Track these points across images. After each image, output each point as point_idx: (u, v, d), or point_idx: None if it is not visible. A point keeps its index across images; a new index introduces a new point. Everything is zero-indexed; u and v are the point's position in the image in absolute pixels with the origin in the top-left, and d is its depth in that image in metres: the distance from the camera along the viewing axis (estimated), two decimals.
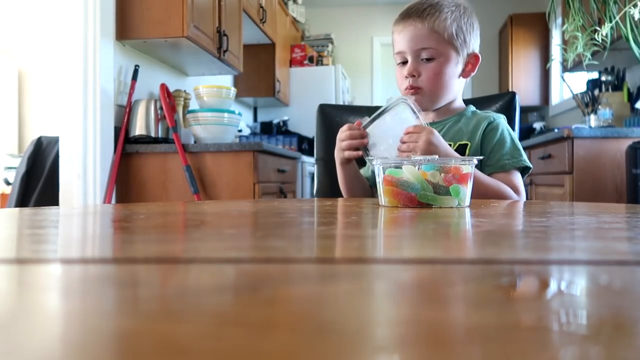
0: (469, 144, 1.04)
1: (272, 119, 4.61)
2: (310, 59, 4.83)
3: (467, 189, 0.67)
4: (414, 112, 0.94)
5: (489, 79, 5.32)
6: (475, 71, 1.09)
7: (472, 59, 1.07)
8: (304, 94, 4.68)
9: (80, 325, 0.18)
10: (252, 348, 0.15)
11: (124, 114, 2.33)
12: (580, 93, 3.22)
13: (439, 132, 1.07)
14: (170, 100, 2.43)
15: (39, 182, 2.27)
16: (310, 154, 3.69)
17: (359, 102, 5.49)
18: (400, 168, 0.68)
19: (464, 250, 0.36)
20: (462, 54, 1.04)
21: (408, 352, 0.15)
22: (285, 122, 4.52)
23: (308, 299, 0.21)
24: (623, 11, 1.62)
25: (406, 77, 1.03)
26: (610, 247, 0.36)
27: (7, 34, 3.93)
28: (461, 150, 1.04)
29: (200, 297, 0.21)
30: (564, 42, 2.51)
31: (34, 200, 2.25)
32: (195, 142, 2.48)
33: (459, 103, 1.13)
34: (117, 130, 2.28)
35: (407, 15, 1.03)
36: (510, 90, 4.54)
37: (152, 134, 2.32)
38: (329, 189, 1.32)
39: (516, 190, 0.99)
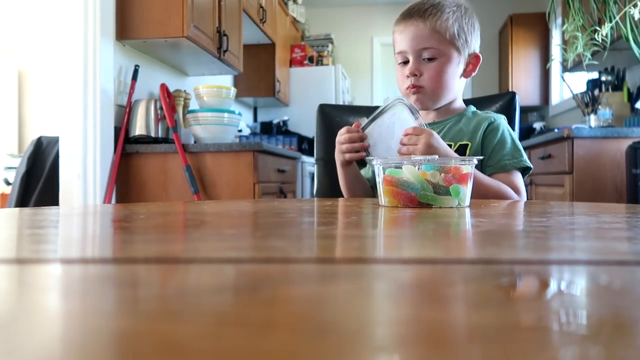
0: (470, 144, 1.04)
1: (272, 119, 4.61)
2: (310, 59, 4.83)
3: (467, 189, 0.67)
4: (412, 112, 0.93)
5: (489, 79, 5.32)
6: (476, 71, 1.09)
7: (473, 59, 1.07)
8: (304, 94, 4.68)
9: (80, 325, 0.18)
10: (252, 348, 0.15)
11: (124, 114, 2.33)
12: (580, 93, 3.22)
13: (440, 132, 1.07)
14: (170, 100, 2.43)
15: (39, 182, 2.27)
16: (310, 154, 3.69)
17: (359, 102, 5.49)
18: (400, 168, 0.68)
19: (464, 250, 0.36)
20: (463, 54, 1.04)
21: (408, 352, 0.15)
22: (285, 122, 4.52)
23: (308, 299, 0.21)
24: (623, 11, 1.62)
25: (408, 76, 1.03)
26: (610, 247, 0.36)
27: (7, 34, 3.93)
28: (462, 150, 1.04)
29: (200, 297, 0.21)
30: (564, 42, 2.51)
31: (34, 200, 2.25)
32: (195, 142, 2.48)
33: (459, 103, 1.13)
34: (117, 130, 2.28)
35: (409, 15, 1.03)
36: (510, 90, 4.54)
37: (152, 134, 2.32)
38: (329, 189, 1.32)
39: (517, 191, 0.99)
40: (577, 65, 2.86)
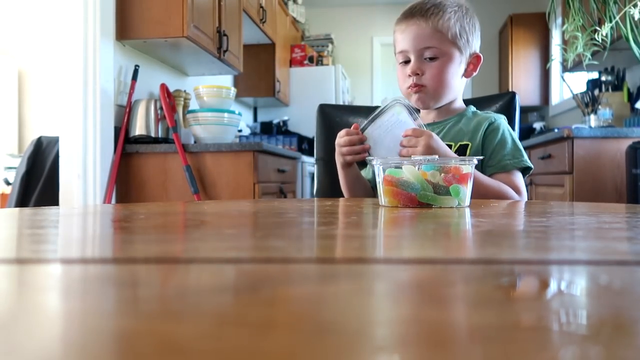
0: (470, 144, 1.04)
1: (272, 119, 4.61)
2: (310, 59, 4.83)
3: (467, 189, 0.67)
4: (411, 113, 0.93)
5: (489, 79, 5.32)
6: (477, 71, 1.09)
7: (474, 59, 1.07)
8: (304, 94, 4.68)
9: (80, 325, 0.18)
10: (252, 348, 0.15)
11: (124, 114, 2.33)
12: (580, 93, 3.22)
13: (440, 132, 1.07)
14: (170, 100, 2.43)
15: (39, 182, 2.27)
16: (310, 154, 3.69)
17: (359, 102, 5.49)
18: (400, 168, 0.68)
19: (464, 250, 0.36)
20: (464, 53, 1.04)
21: (408, 352, 0.15)
22: (285, 122, 4.52)
23: (308, 299, 0.21)
24: (623, 11, 1.62)
25: (409, 75, 1.03)
26: (610, 247, 0.36)
27: (7, 34, 3.93)
28: (462, 150, 1.04)
29: (200, 297, 0.21)
30: (564, 42, 2.51)
31: (34, 200, 2.26)
32: (195, 142, 2.48)
33: (460, 103, 1.13)
34: (117, 130, 2.29)
35: (411, 15, 1.03)
36: (510, 90, 4.53)
37: (152, 134, 2.32)
38: (329, 189, 1.32)
39: (517, 191, 0.99)
40: (577, 65, 2.86)
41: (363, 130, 0.96)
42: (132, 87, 2.38)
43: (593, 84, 3.18)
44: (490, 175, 1.01)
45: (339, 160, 1.02)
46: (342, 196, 1.10)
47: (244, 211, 0.71)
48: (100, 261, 0.32)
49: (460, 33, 1.02)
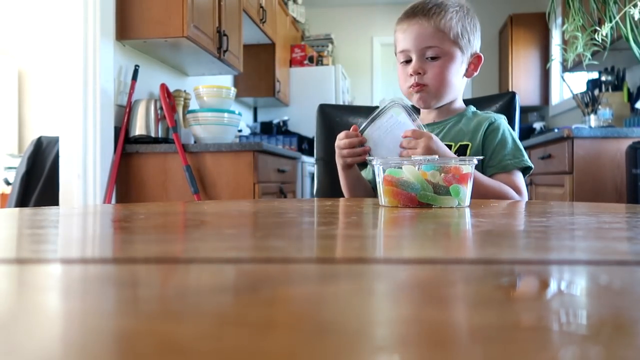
0: (470, 144, 1.04)
1: (272, 119, 4.61)
2: (310, 59, 4.83)
3: (467, 189, 0.67)
4: (409, 114, 0.93)
5: (489, 79, 5.32)
6: (478, 71, 1.09)
7: (474, 59, 1.07)
8: (304, 94, 4.68)
9: (80, 325, 0.18)
10: (252, 348, 0.15)
11: (124, 114, 2.33)
12: (580, 93, 3.22)
13: (440, 132, 1.07)
14: (170, 100, 2.43)
15: (39, 182, 2.27)
16: (310, 154, 3.69)
17: (359, 102, 5.49)
18: (400, 168, 0.68)
19: (464, 250, 0.36)
20: (466, 53, 1.04)
21: (408, 352, 0.15)
22: (285, 122, 4.52)
23: (308, 299, 0.21)
24: (623, 11, 1.62)
25: (411, 75, 1.03)
26: (610, 247, 0.36)
27: (7, 34, 3.93)
28: (462, 150, 1.04)
29: (200, 297, 0.21)
30: (564, 42, 2.51)
31: (34, 200, 2.26)
32: (195, 142, 2.48)
33: (460, 103, 1.13)
34: (117, 130, 2.29)
35: (413, 14, 1.03)
36: (510, 90, 4.54)
37: (152, 134, 2.32)
38: (329, 189, 1.32)
39: (518, 191, 0.99)
40: (577, 65, 2.86)
41: (362, 131, 0.95)
42: (132, 87, 2.38)
43: (593, 84, 3.18)
44: (490, 176, 1.01)
45: (339, 162, 1.02)
46: (342, 196, 1.10)
47: (244, 211, 0.71)
48: (100, 261, 0.32)
49: (462, 33, 1.02)
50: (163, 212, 0.69)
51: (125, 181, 2.31)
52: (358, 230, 0.48)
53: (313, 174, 2.72)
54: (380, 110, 0.94)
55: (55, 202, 2.18)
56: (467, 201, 0.68)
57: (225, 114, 2.44)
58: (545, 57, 4.72)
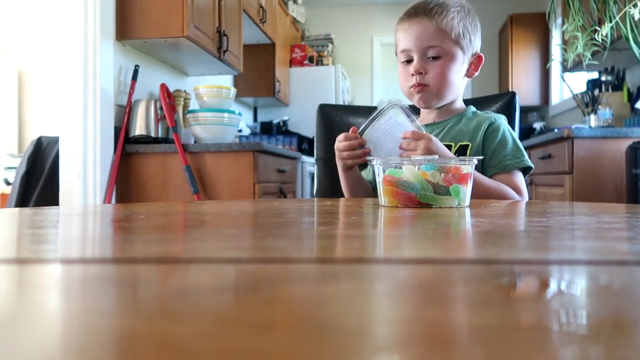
0: (470, 144, 1.04)
1: (272, 119, 4.61)
2: (310, 59, 4.83)
3: (467, 189, 0.67)
4: (408, 115, 0.93)
5: (489, 79, 5.32)
6: (478, 71, 1.09)
7: (475, 60, 1.07)
8: (304, 94, 4.68)
9: (80, 325, 0.18)
10: (252, 348, 0.15)
11: (124, 114, 2.33)
12: (580, 93, 3.22)
13: (440, 132, 1.07)
14: (170, 100, 2.43)
15: (39, 182, 2.27)
16: (310, 154, 3.69)
17: (359, 102, 5.49)
18: (400, 168, 0.68)
19: (464, 250, 0.36)
20: (467, 53, 1.04)
21: (408, 352, 0.15)
22: (285, 122, 4.52)
23: (308, 299, 0.21)
24: (623, 11, 1.62)
25: (412, 74, 1.03)
26: (610, 247, 0.36)
27: (7, 34, 3.93)
28: (462, 151, 1.04)
29: (200, 297, 0.21)
30: (564, 42, 2.51)
31: (34, 200, 2.26)
32: (195, 142, 2.48)
33: (460, 103, 1.13)
34: (117, 130, 2.29)
35: (414, 14, 1.03)
36: (510, 90, 4.54)
37: (152, 134, 2.32)
38: (329, 189, 1.32)
39: (518, 191, 0.99)
40: (577, 65, 2.86)
41: (361, 133, 0.95)
42: (132, 87, 2.38)
43: (593, 84, 3.18)
44: (491, 176, 1.01)
45: (339, 163, 1.02)
46: (343, 196, 1.10)
47: (244, 211, 0.71)
48: (100, 261, 0.32)
49: (463, 33, 1.02)
50: (163, 212, 0.69)
51: (125, 181, 2.31)
52: (358, 230, 0.48)
53: (313, 174, 2.71)
54: (379, 112, 0.94)
55: (55, 202, 2.18)
56: (467, 201, 0.68)
57: (225, 114, 2.44)
58: (545, 57, 4.72)
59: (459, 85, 1.07)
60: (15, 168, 2.55)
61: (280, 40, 4.34)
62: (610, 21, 1.65)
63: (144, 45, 2.43)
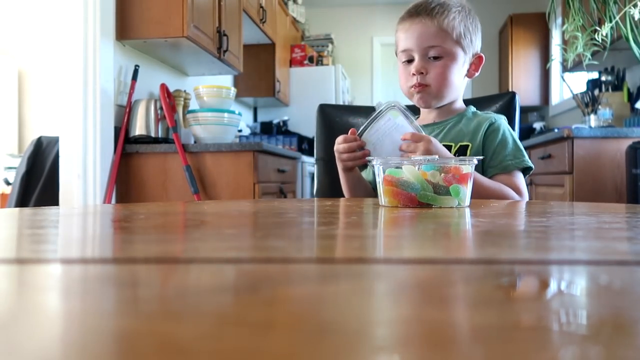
0: (470, 145, 1.04)
1: (272, 119, 4.61)
2: (310, 59, 4.83)
3: (467, 189, 0.67)
4: (407, 116, 0.93)
5: (489, 79, 5.32)
6: (479, 72, 1.09)
7: (476, 60, 1.07)
8: (304, 94, 4.68)
9: (80, 325, 0.18)
10: (252, 348, 0.15)
11: (124, 114, 2.33)
12: (580, 93, 3.22)
13: (440, 132, 1.07)
14: (170, 100, 2.43)
15: (39, 182, 2.27)
16: (310, 154, 3.69)
17: (359, 102, 5.49)
18: (400, 168, 0.68)
19: (464, 250, 0.36)
20: (468, 54, 1.04)
21: (408, 352, 0.15)
22: (285, 122, 4.52)
23: (308, 299, 0.21)
24: (623, 11, 1.62)
25: (413, 74, 1.03)
26: (610, 247, 0.36)
27: (7, 34, 3.93)
28: (462, 151, 1.04)
29: (200, 297, 0.21)
30: (564, 42, 2.51)
31: (34, 200, 2.26)
32: (195, 142, 2.48)
33: (460, 104, 1.13)
34: (117, 130, 2.29)
35: (416, 14, 1.03)
36: (510, 90, 4.54)
37: (152, 134, 2.32)
38: (329, 189, 1.32)
39: (518, 192, 0.99)
40: (577, 65, 2.86)
41: (360, 135, 0.95)
42: (132, 87, 2.38)
43: (593, 84, 3.18)
44: (491, 176, 1.01)
45: (339, 165, 1.02)
46: (343, 196, 1.10)
47: (244, 211, 0.71)
48: (100, 261, 0.32)
49: (464, 33, 1.02)
50: (163, 212, 0.69)
51: (125, 181, 2.31)
52: (358, 230, 0.48)
53: (313, 174, 2.71)
54: (378, 113, 0.94)
55: (55, 202, 2.18)
56: (467, 201, 0.68)
57: (225, 114, 2.44)
58: (545, 57, 4.72)
59: (460, 86, 1.07)
60: (15, 168, 2.55)
61: (280, 40, 4.34)
62: (610, 21, 1.65)
63: (144, 45, 2.43)
